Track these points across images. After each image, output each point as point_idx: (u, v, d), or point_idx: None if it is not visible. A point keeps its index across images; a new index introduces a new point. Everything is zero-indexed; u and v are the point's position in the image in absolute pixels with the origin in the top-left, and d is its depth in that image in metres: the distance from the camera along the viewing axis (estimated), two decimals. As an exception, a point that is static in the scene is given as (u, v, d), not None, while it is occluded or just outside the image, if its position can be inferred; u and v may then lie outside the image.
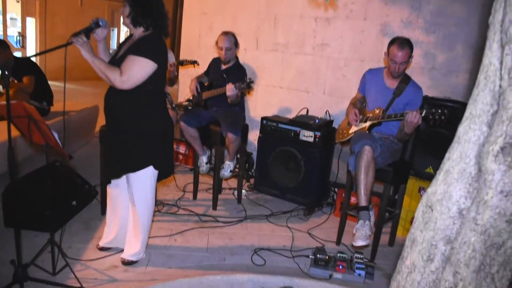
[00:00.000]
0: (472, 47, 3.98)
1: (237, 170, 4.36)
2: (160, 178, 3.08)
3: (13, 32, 12.76)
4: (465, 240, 1.04)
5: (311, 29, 4.75)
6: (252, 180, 4.96)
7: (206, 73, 4.41)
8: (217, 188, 4.15)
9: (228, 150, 4.07)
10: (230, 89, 3.70)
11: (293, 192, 4.47)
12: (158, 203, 4.12)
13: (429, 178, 3.84)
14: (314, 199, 4.38)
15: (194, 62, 4.71)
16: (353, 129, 3.49)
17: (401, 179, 3.57)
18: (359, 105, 3.73)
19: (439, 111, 2.91)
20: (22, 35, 12.17)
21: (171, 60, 4.87)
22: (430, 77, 4.17)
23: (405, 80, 3.39)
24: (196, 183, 4.42)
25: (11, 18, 12.40)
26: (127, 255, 3.08)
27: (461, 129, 1.15)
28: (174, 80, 5.04)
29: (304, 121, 4.36)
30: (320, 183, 4.40)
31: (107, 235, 3.22)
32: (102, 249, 3.22)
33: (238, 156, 4.33)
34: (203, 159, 4.22)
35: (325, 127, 4.31)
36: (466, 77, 4.03)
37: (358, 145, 3.11)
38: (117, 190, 3.09)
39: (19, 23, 12.26)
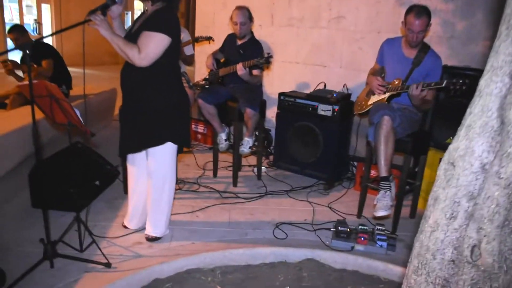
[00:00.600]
0: (493, 13, 3.88)
1: (256, 147, 4.38)
2: (178, 151, 3.11)
3: (29, 19, 12.89)
4: (488, 195, 1.04)
5: (326, 2, 4.69)
6: (271, 157, 4.97)
7: (221, 49, 4.40)
8: (237, 165, 4.18)
9: (246, 126, 4.08)
10: (240, 69, 3.69)
11: (313, 167, 4.47)
12: (179, 181, 4.16)
13: (450, 148, 3.80)
14: (333, 173, 4.37)
15: (209, 38, 4.70)
16: (372, 100, 3.46)
17: (421, 149, 3.54)
18: (377, 75, 3.69)
19: (460, 81, 2.86)
20: (38, 22, 12.27)
21: (186, 38, 4.87)
22: (449, 46, 4.09)
23: (424, 49, 3.34)
24: (215, 161, 4.45)
25: (26, 6, 12.51)
26: (151, 231, 3.13)
27: (482, 82, 1.13)
28: (190, 60, 5.05)
29: (321, 95, 4.33)
30: (339, 157, 4.39)
31: (131, 216, 3.28)
32: (125, 227, 3.28)
33: (257, 133, 4.34)
34: (222, 136, 4.24)
35: (343, 100, 4.28)
36: (486, 44, 3.94)
37: (377, 115, 3.08)
38: (135, 167, 3.13)
39: (34, 11, 12.34)
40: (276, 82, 5.23)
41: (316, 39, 4.83)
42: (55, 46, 12.01)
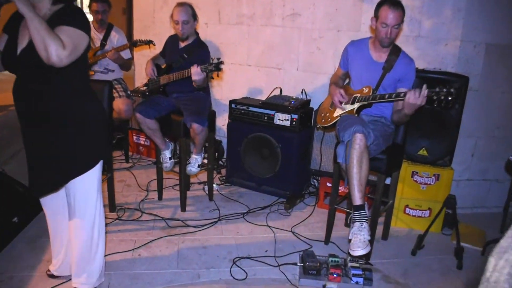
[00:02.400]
0: (462, 11, 3.51)
1: (205, 162, 3.83)
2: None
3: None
4: None
5: (279, -3, 4.20)
6: (223, 171, 4.44)
7: (162, 53, 3.81)
8: (184, 187, 3.61)
9: (194, 143, 3.52)
10: (196, 72, 3.12)
11: (271, 183, 3.99)
12: (118, 208, 3.57)
13: (423, 161, 3.43)
14: (294, 190, 3.90)
15: (149, 42, 4.11)
16: (338, 111, 2.99)
17: (395, 166, 3.11)
18: (341, 83, 3.24)
19: (445, 90, 2.43)
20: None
21: (121, 41, 4.26)
22: (416, 47, 3.69)
23: (395, 51, 2.91)
24: (160, 181, 3.86)
25: None
26: (80, 282, 2.52)
27: None
28: (129, 64, 4.43)
29: (277, 103, 3.84)
30: (300, 171, 3.92)
31: (56, 260, 2.66)
32: (53, 276, 2.66)
33: (206, 144, 3.80)
34: (166, 154, 3.66)
35: (302, 108, 3.82)
36: (457, 45, 3.58)
37: (347, 133, 2.61)
38: (52, 204, 2.51)
39: None
40: (226, 87, 4.69)
41: (269, 39, 4.32)
42: None
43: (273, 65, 4.36)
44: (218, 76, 3.19)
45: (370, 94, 2.85)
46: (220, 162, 4.65)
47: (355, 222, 2.57)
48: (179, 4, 3.47)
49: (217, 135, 4.77)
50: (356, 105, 2.88)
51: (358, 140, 2.55)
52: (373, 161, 2.75)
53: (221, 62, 3.05)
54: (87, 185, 2.37)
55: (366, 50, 2.98)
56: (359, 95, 2.91)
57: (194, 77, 3.13)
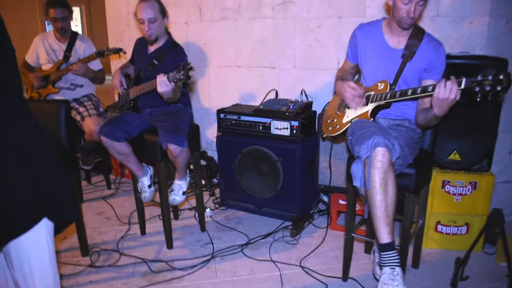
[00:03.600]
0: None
1: (193, 187, 3.22)
2: (57, 231, 1.89)
3: None
4: None
5: (266, -17, 3.57)
6: (217, 192, 3.82)
7: (132, 60, 3.20)
8: (168, 220, 2.99)
9: (174, 166, 2.91)
10: (162, 83, 2.51)
11: (273, 205, 3.36)
12: (92, 251, 2.97)
13: (455, 167, 2.79)
14: (301, 211, 3.28)
15: (118, 51, 3.51)
16: (348, 116, 2.36)
17: (425, 180, 2.47)
18: (350, 79, 2.61)
19: (490, 77, 1.78)
20: None
21: (88, 51, 3.67)
22: (434, 28, 3.04)
23: (417, 34, 2.26)
24: (141, 212, 3.24)
25: None
26: None
27: None
28: (101, 76, 3.83)
29: (274, 108, 3.22)
30: (307, 189, 3.30)
31: None
32: None
33: (191, 166, 3.19)
34: (144, 181, 3.04)
35: (303, 112, 3.19)
36: (485, 22, 2.93)
37: (365, 146, 1.97)
38: None
39: None
40: (214, 94, 4.07)
41: (259, 34, 3.69)
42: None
43: (266, 64, 3.73)
44: (188, 86, 2.57)
45: (388, 90, 2.21)
46: (215, 179, 4.03)
47: (384, 267, 1.93)
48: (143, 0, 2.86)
49: (209, 149, 4.16)
50: (370, 106, 2.24)
51: (380, 157, 1.92)
52: (399, 178, 2.11)
53: (190, 68, 2.42)
54: (30, 253, 1.75)
55: (380, 35, 2.34)
56: (373, 92, 2.27)
57: (159, 89, 2.52)
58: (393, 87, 2.25)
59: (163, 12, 2.89)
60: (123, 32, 4.46)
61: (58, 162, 1.83)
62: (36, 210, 1.73)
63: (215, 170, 3.99)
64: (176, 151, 2.66)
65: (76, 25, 13.65)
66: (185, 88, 2.79)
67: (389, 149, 1.94)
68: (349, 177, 2.21)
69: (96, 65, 3.76)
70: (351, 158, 2.23)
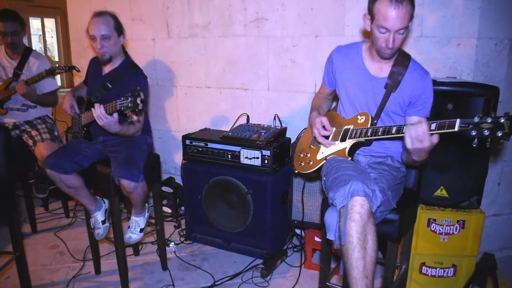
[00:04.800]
0: (477, -2, 2.65)
1: (154, 223, 2.90)
2: None
3: None
4: None
5: (238, -1, 3.30)
6: (184, 222, 3.50)
7: (86, 81, 2.89)
8: (123, 261, 2.65)
9: (130, 201, 2.60)
10: (99, 116, 2.21)
11: (242, 240, 3.07)
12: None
13: (441, 204, 2.53)
14: (272, 247, 2.98)
15: (70, 69, 3.18)
16: (323, 152, 2.08)
17: (409, 223, 2.19)
18: (327, 106, 2.34)
19: (489, 120, 1.50)
20: None
21: (42, 68, 3.34)
22: (418, 50, 2.81)
23: (402, 60, 2.00)
24: (95, 249, 2.91)
25: None
26: None
27: None
28: (51, 99, 3.50)
29: (244, 136, 2.93)
30: (279, 223, 3.00)
31: None
32: None
33: (152, 201, 2.88)
34: (97, 217, 2.71)
35: (275, 140, 2.91)
36: (473, 44, 2.70)
37: (340, 193, 1.68)
38: None
39: None
40: (182, 116, 3.77)
41: (230, 52, 3.41)
42: None
43: (237, 85, 3.45)
44: (137, 118, 2.26)
45: (369, 125, 1.94)
46: (182, 208, 3.72)
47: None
48: (96, 14, 2.55)
49: (177, 175, 3.85)
50: (348, 143, 1.97)
51: (359, 207, 1.63)
52: (380, 226, 1.83)
53: (138, 95, 2.10)
54: None
55: (360, 60, 2.07)
56: (351, 126, 2.01)
57: (99, 123, 2.21)
58: (375, 121, 1.98)
59: (119, 29, 2.59)
60: (87, 48, 4.14)
61: None
62: None
63: (182, 198, 3.67)
64: (130, 186, 2.35)
65: (52, 36, 13.26)
66: (139, 115, 2.48)
67: (368, 197, 1.65)
68: (322, 227, 1.92)
69: (50, 84, 3.42)
70: (325, 202, 1.94)
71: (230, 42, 3.40)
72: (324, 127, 2.05)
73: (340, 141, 2.01)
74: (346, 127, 2.04)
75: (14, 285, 2.75)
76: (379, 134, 1.84)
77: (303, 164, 2.17)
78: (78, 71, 3.16)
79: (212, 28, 3.44)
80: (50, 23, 13.05)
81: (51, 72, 3.15)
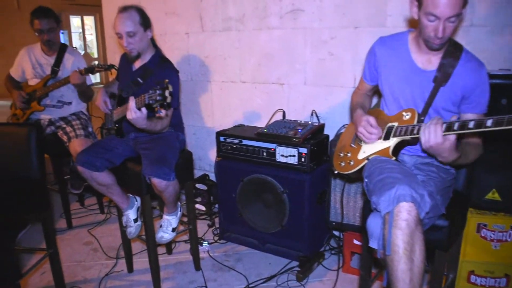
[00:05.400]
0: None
1: (187, 221, 2.82)
2: None
3: None
4: None
5: (274, -11, 3.18)
6: (218, 221, 3.42)
7: (118, 77, 2.83)
8: (155, 261, 2.59)
9: (162, 200, 2.52)
10: (132, 110, 2.13)
11: (278, 241, 2.95)
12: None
13: (493, 208, 2.33)
14: (309, 249, 2.85)
15: (109, 67, 3.14)
16: (366, 151, 1.93)
17: (458, 230, 2.02)
18: (368, 103, 2.19)
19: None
20: None
21: (77, 65, 3.32)
22: (468, 40, 2.60)
23: (454, 50, 1.82)
24: (127, 248, 2.86)
25: None
26: None
27: None
28: (90, 93, 3.48)
29: (279, 133, 2.81)
30: (316, 224, 2.88)
31: None
32: None
33: (185, 198, 2.80)
34: (129, 215, 2.66)
35: (313, 137, 2.77)
36: (528, 31, 2.49)
37: (385, 197, 1.54)
38: None
39: None
40: (217, 112, 3.68)
41: (265, 45, 3.29)
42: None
43: (273, 80, 3.32)
44: (165, 113, 2.17)
45: (415, 122, 1.78)
46: (216, 206, 3.63)
47: None
48: (121, 10, 2.47)
49: (211, 172, 3.76)
50: (392, 141, 1.81)
51: (405, 214, 1.48)
52: (427, 232, 1.67)
53: (166, 87, 2.00)
54: None
55: (406, 52, 1.91)
56: (396, 124, 1.85)
57: (129, 115, 2.13)
58: (422, 118, 1.82)
59: (146, 24, 2.50)
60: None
61: None
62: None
63: (216, 196, 3.59)
64: (161, 185, 2.27)
65: (91, 33, 13.52)
66: (167, 109, 2.39)
67: (416, 203, 1.50)
68: (363, 231, 1.78)
69: (87, 79, 3.40)
70: (367, 206, 1.80)
71: (265, 35, 3.28)
72: (370, 125, 1.90)
73: (384, 139, 1.86)
74: (389, 124, 1.88)
75: (49, 281, 2.74)
76: (455, 128, 1.66)
77: (343, 164, 2.03)
78: (117, 70, 3.11)
79: (246, 21, 3.33)
80: (89, 20, 13.30)
81: (89, 71, 3.13)
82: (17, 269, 1.61)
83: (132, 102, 2.11)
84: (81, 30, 13.07)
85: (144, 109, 2.11)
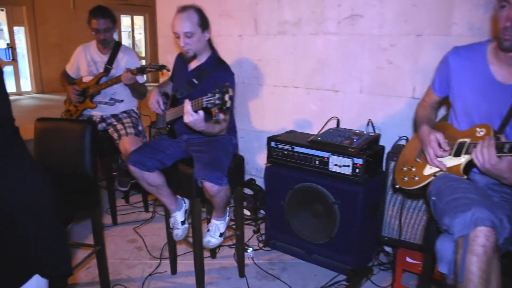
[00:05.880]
0: None
1: (235, 226, 2.77)
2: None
3: (1, 44, 11.54)
4: None
5: (333, -6, 3.09)
6: (263, 227, 3.35)
7: (172, 77, 2.82)
8: (201, 265, 2.54)
9: (212, 204, 2.48)
10: (188, 113, 2.08)
11: (325, 252, 2.86)
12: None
13: None
14: (357, 263, 2.75)
15: (161, 68, 3.13)
16: (433, 167, 1.82)
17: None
18: (434, 116, 2.07)
19: None
20: (11, 46, 10.88)
21: (130, 64, 3.34)
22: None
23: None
24: (173, 249, 2.84)
25: (-3, 29, 11.13)
26: None
27: None
28: (143, 90, 3.49)
29: (334, 141, 2.72)
30: (367, 238, 2.77)
31: None
32: None
33: (232, 200, 2.75)
34: (177, 217, 2.64)
35: (369, 148, 2.67)
36: None
37: (460, 220, 1.43)
38: None
39: (6, 34, 10.95)
40: (268, 116, 3.62)
41: (321, 51, 3.21)
42: (32, 72, 10.80)
43: (327, 87, 3.23)
44: (224, 117, 2.12)
45: (491, 138, 1.65)
46: (261, 212, 3.57)
47: None
48: (180, 10, 2.45)
49: (258, 177, 3.71)
50: (464, 159, 1.70)
51: (483, 239, 1.38)
52: (502, 259, 1.55)
53: (226, 91, 1.94)
54: None
55: (484, 63, 1.79)
56: (468, 140, 1.73)
57: (186, 118, 2.09)
58: (499, 135, 1.69)
59: (204, 25, 2.47)
60: (174, 44, 4.12)
61: (53, 211, 1.49)
62: (28, 267, 1.42)
63: (262, 201, 3.53)
64: (213, 190, 2.22)
65: (140, 33, 13.78)
66: (226, 114, 2.34)
67: (496, 228, 1.39)
68: (424, 250, 1.67)
69: (139, 77, 3.42)
70: (432, 225, 1.69)
71: (321, 40, 3.20)
72: (440, 145, 1.78)
73: (453, 156, 1.74)
74: (460, 140, 1.77)
75: (94, 277, 2.75)
76: (505, 151, 1.55)
77: (406, 179, 1.92)
78: (168, 70, 3.10)
79: (302, 25, 3.26)
80: (139, 20, 13.56)
81: (141, 71, 3.14)
82: (70, 264, 1.60)
83: (188, 105, 2.07)
84: (130, 29, 13.36)
85: (201, 112, 2.07)
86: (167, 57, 4.15)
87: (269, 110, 3.59)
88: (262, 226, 3.40)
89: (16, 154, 1.42)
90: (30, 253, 1.43)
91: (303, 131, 3.26)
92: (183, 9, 2.43)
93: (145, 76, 3.51)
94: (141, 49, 13.82)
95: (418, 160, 1.93)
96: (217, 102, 1.92)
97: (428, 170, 1.82)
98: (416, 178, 1.86)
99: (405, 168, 1.99)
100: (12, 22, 10.85)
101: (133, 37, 13.52)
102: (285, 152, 2.89)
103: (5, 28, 10.98)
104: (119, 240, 3.31)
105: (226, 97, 1.91)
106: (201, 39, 2.46)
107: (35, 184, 1.45)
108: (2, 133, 1.36)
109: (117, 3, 11.42)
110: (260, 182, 3.67)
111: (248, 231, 3.40)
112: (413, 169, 1.92)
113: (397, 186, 2.00)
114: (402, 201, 2.48)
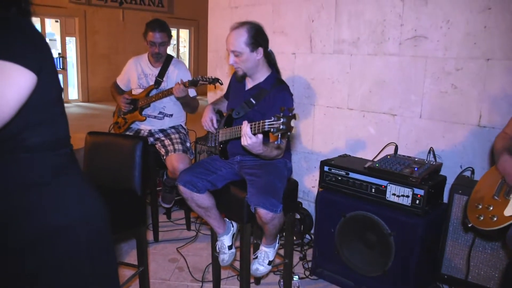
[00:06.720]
0: None
1: (284, 254, 2.64)
2: None
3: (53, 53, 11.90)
4: None
5: (395, 13, 2.94)
6: (309, 253, 3.20)
7: (226, 95, 2.74)
8: (247, 292, 2.43)
9: (263, 231, 2.36)
10: (247, 136, 1.97)
11: (377, 285, 2.68)
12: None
13: None
14: (415, 301, 2.56)
15: (214, 81, 3.05)
16: (514, 207, 1.65)
17: None
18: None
19: None
20: (62, 56, 11.22)
21: (181, 77, 3.29)
22: None
23: None
24: (217, 272, 2.73)
25: (50, 39, 11.47)
26: None
27: None
28: (194, 104, 3.43)
29: (393, 169, 2.55)
30: (424, 274, 2.57)
31: None
32: None
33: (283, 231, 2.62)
34: (224, 241, 2.53)
35: (430, 178, 2.49)
36: None
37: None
38: None
39: (58, 44, 11.32)
40: (318, 137, 3.49)
41: (379, 72, 3.07)
42: (79, 81, 11.10)
43: (385, 110, 3.08)
44: (287, 137, 2.00)
45: None
46: (306, 236, 3.42)
47: None
48: (233, 26, 2.36)
49: (304, 200, 3.57)
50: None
51: None
52: None
53: (293, 116, 1.82)
54: None
55: None
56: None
57: (243, 142, 1.98)
58: None
59: (254, 44, 2.34)
60: (224, 59, 4.07)
61: (100, 234, 1.40)
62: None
63: (309, 225, 3.38)
64: (267, 217, 2.10)
65: (184, 46, 13.97)
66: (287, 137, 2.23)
67: None
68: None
69: (190, 92, 3.36)
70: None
71: (380, 61, 3.05)
72: None
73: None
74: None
75: (134, 298, 2.68)
76: None
77: (482, 218, 1.75)
78: (221, 83, 3.03)
79: (361, 45, 3.13)
80: (184, 33, 13.74)
81: (194, 83, 3.07)
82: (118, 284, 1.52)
83: (247, 127, 1.96)
84: (175, 42, 13.55)
85: (260, 135, 1.96)
86: (216, 72, 4.10)
87: (320, 132, 3.46)
88: (309, 252, 3.25)
89: (73, 173, 1.35)
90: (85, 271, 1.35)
91: (356, 155, 3.11)
92: (236, 26, 2.35)
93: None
94: (185, 62, 14.00)
95: (496, 198, 1.76)
96: (282, 127, 1.79)
97: (511, 210, 1.65)
98: (495, 219, 1.68)
99: (480, 206, 1.81)
100: (64, 33, 11.22)
101: (178, 49, 13.71)
102: (339, 178, 2.75)
103: (58, 38, 11.35)
104: (160, 258, 3.23)
105: (292, 123, 1.79)
106: (249, 59, 2.35)
107: (93, 204, 1.38)
108: (63, 154, 1.29)
109: (165, 16, 11.64)
110: (306, 205, 3.53)
111: (294, 257, 3.25)
112: (491, 208, 1.75)
113: (470, 225, 1.82)
114: (473, 239, 2.29)
